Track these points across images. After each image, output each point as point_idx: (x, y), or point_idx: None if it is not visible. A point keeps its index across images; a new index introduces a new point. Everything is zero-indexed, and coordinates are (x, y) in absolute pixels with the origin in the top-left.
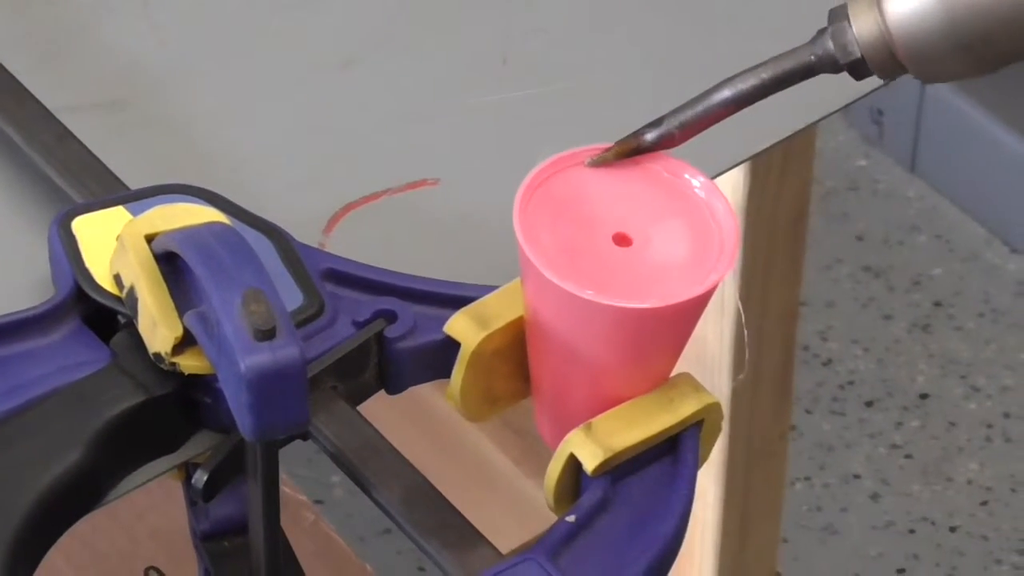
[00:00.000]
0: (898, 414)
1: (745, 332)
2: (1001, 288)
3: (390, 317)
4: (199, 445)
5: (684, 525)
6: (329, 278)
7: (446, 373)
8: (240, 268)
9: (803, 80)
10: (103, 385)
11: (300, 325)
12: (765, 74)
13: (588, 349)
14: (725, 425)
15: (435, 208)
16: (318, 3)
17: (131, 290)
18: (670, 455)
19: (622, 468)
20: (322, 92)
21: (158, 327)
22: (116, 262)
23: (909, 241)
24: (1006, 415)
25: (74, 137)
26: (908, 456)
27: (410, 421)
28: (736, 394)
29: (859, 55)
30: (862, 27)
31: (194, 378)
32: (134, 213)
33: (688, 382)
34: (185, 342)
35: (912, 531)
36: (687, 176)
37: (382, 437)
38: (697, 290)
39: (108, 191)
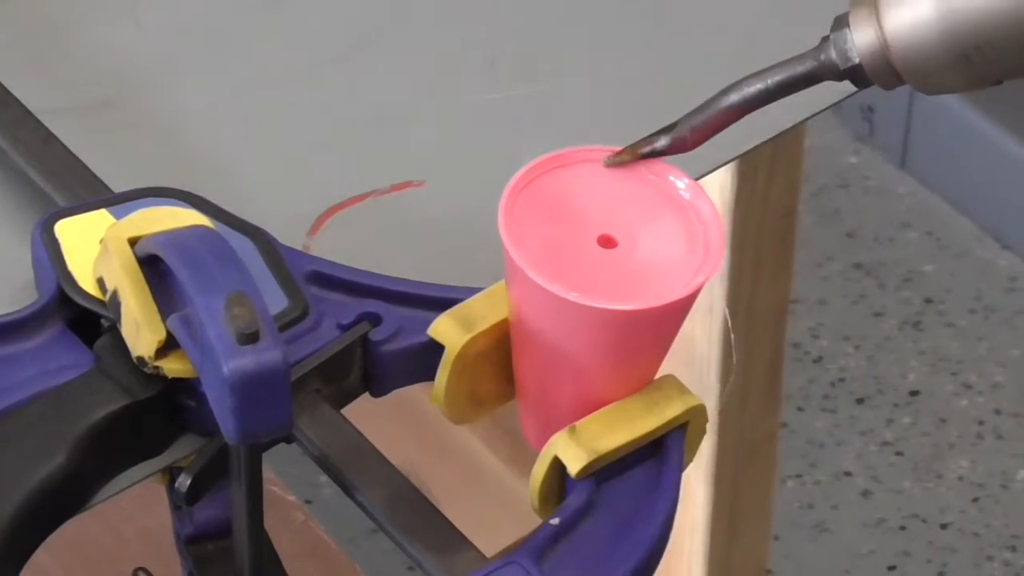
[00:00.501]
0: (889, 411)
1: (732, 336)
2: (992, 284)
3: (374, 320)
4: (183, 449)
5: (669, 528)
6: (313, 281)
7: (431, 376)
8: (223, 271)
9: (808, 86)
10: (86, 389)
11: (284, 328)
12: (770, 79)
13: (573, 351)
14: (714, 424)
15: (421, 210)
16: (302, 4)
17: (114, 294)
18: (655, 457)
19: (607, 471)
20: (307, 93)
21: (141, 331)
22: (99, 266)
23: (900, 238)
24: (997, 412)
25: (57, 140)
26: (899, 453)
27: (400, 421)
28: (725, 394)
29: (858, 63)
30: (861, 36)
31: (178, 382)
32: (117, 216)
33: (673, 384)
34: (168, 346)
35: (903, 528)
36: (672, 178)
37: (366, 440)
38: (682, 292)
39: (92, 194)
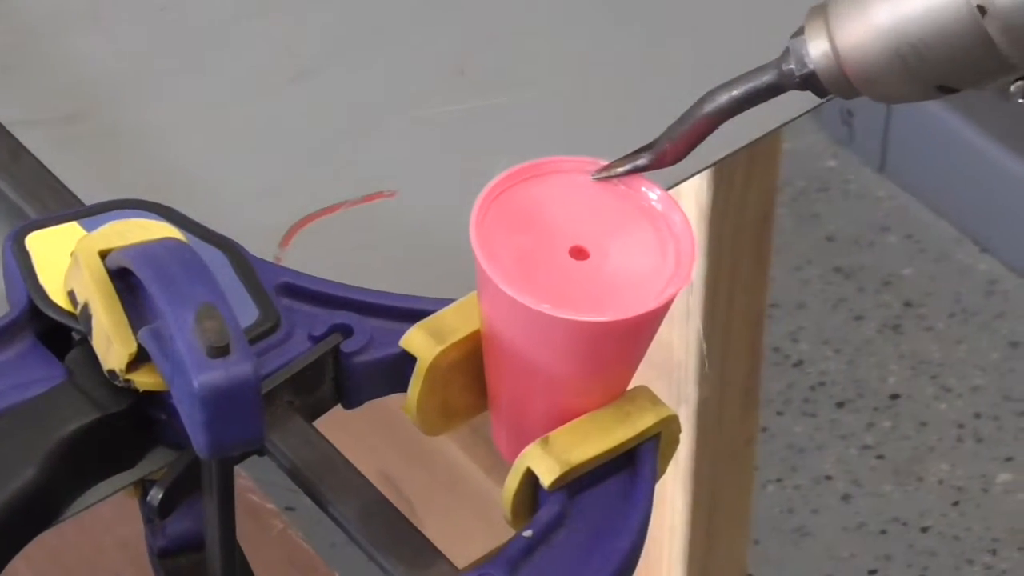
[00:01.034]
0: (869, 415)
1: (704, 347)
2: (972, 288)
3: (346, 331)
4: (155, 462)
5: (642, 539)
6: (285, 292)
7: (403, 387)
8: (193, 284)
9: (773, 96)
10: (57, 402)
11: (255, 340)
12: (736, 91)
13: (545, 363)
14: (692, 431)
15: (392, 220)
16: (274, 15)
17: (85, 307)
18: (628, 468)
19: (579, 482)
20: (278, 104)
21: (112, 344)
22: (70, 278)
23: (879, 241)
24: (977, 415)
25: (28, 152)
26: (879, 457)
27: (379, 430)
28: (703, 400)
29: (812, 71)
30: (815, 46)
31: (149, 395)
32: (89, 229)
33: (645, 395)
34: (139, 359)
35: (884, 532)
36: (644, 189)
37: (338, 452)
38: (654, 303)
39: (63, 206)
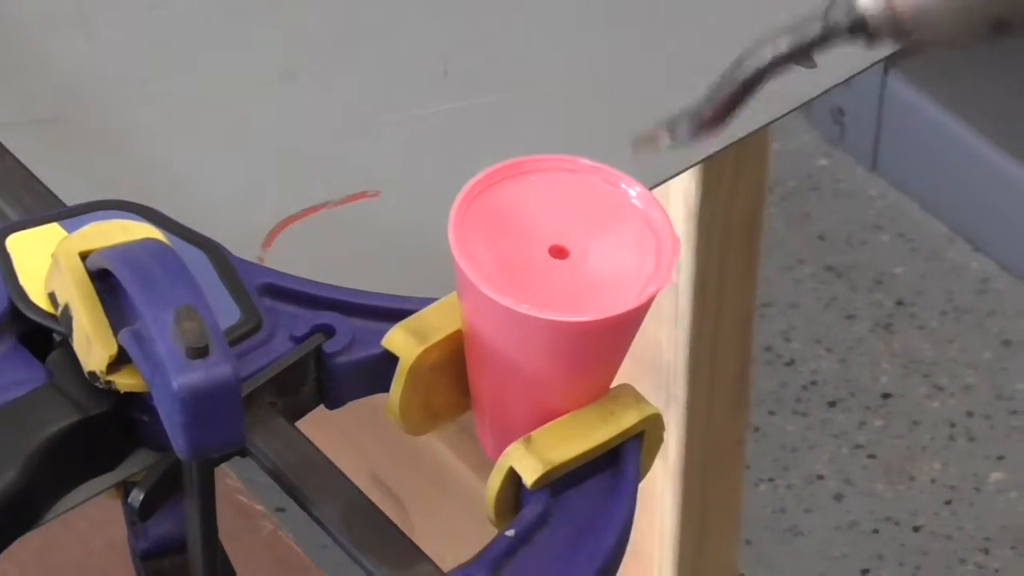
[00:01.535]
0: (861, 414)
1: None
2: (964, 286)
3: (328, 332)
4: (137, 463)
5: (625, 538)
6: (267, 293)
7: (386, 387)
8: (173, 285)
9: (820, 50)
10: (38, 404)
11: (237, 341)
12: (782, 47)
13: (526, 363)
14: (682, 431)
15: (376, 220)
16: (255, 16)
17: (66, 308)
18: (611, 467)
19: (563, 481)
20: (261, 105)
21: (93, 345)
22: (51, 280)
23: (871, 240)
24: (969, 414)
25: (9, 153)
26: (871, 456)
27: (368, 430)
28: (692, 400)
29: (860, 15)
30: None
31: (131, 396)
32: (69, 230)
33: (629, 393)
34: (120, 360)
35: (876, 531)
36: (624, 186)
37: (321, 453)
38: (634, 302)
39: (44, 208)
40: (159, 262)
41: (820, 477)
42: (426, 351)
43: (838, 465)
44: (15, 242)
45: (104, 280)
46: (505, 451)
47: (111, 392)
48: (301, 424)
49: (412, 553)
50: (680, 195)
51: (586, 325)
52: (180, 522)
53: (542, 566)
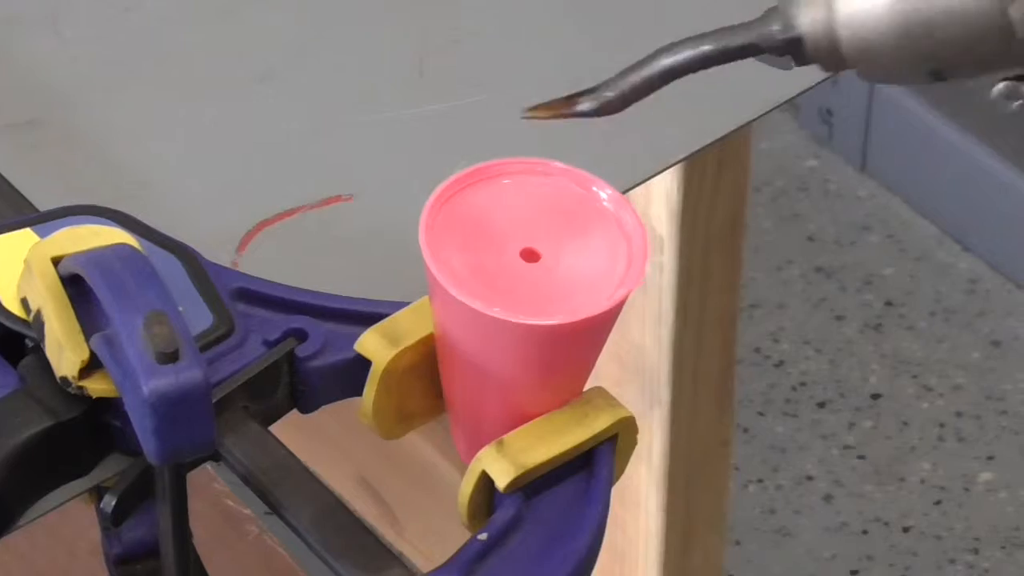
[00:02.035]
0: (850, 415)
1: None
2: (953, 287)
3: (300, 336)
4: (110, 468)
5: (598, 541)
6: (240, 297)
7: (359, 391)
8: (143, 290)
9: (745, 57)
10: (10, 410)
11: (209, 346)
12: (706, 46)
13: (498, 366)
14: (667, 432)
15: (350, 224)
16: (230, 18)
17: (38, 314)
18: (585, 470)
19: (535, 484)
20: (235, 108)
21: (64, 351)
22: (23, 285)
23: (860, 241)
24: (958, 414)
25: None
26: (861, 457)
27: (356, 433)
28: (676, 401)
29: (799, 35)
30: (808, 10)
31: (103, 401)
32: (42, 235)
33: (601, 396)
34: (92, 365)
35: (865, 532)
36: (596, 189)
37: (294, 457)
38: (605, 305)
39: (16, 213)
40: (129, 267)
41: (809, 478)
42: (399, 355)
43: (827, 466)
44: None
45: (76, 286)
46: (478, 454)
47: (83, 397)
48: (288, 428)
49: (384, 557)
50: (662, 195)
51: (557, 328)
52: (153, 527)
53: (514, 569)
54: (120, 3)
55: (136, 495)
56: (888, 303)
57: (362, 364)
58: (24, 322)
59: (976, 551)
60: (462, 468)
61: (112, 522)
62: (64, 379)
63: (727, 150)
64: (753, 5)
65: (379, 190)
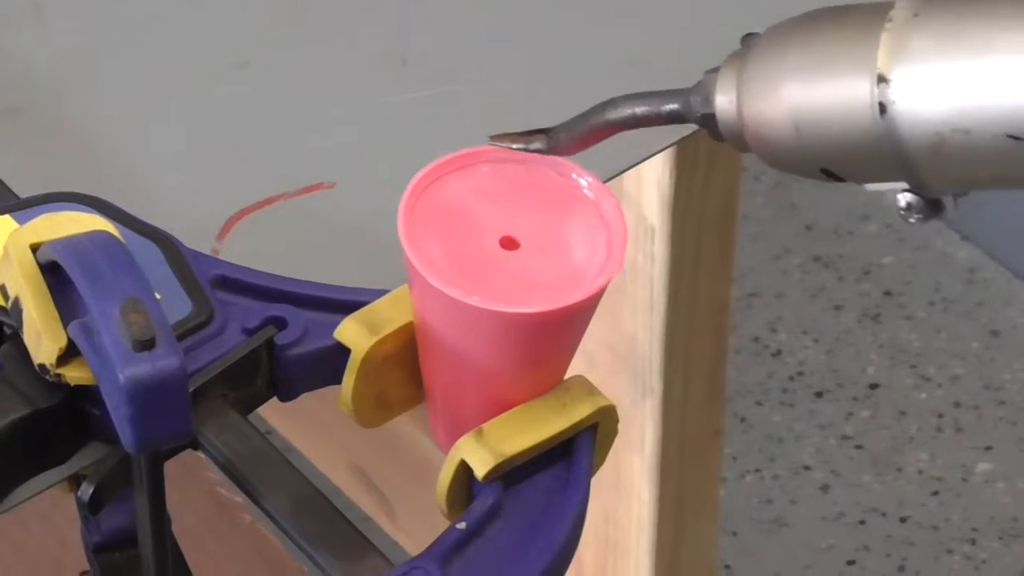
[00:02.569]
0: (848, 405)
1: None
2: (952, 277)
3: (280, 324)
4: (88, 457)
5: (578, 530)
6: (220, 285)
7: (339, 379)
8: (119, 277)
9: (673, 123)
10: None
11: (188, 333)
12: (638, 108)
13: (476, 354)
14: (659, 421)
15: (332, 212)
16: (211, 6)
17: (16, 301)
18: (564, 460)
19: (515, 473)
20: (216, 96)
21: (42, 338)
22: (1, 272)
23: (859, 230)
24: (956, 404)
25: None
26: (858, 447)
27: (350, 422)
28: (668, 391)
29: (712, 113)
30: (722, 92)
31: (81, 389)
32: (21, 222)
33: (581, 385)
34: (70, 353)
35: (863, 522)
36: (576, 176)
37: (272, 446)
38: (584, 293)
39: None
40: (106, 255)
41: (807, 468)
42: (378, 343)
43: (825, 456)
44: None
45: (55, 273)
46: (456, 443)
47: (61, 385)
48: (283, 416)
49: (362, 546)
50: (654, 182)
51: (536, 316)
52: (132, 516)
53: (493, 559)
54: None
55: (114, 483)
56: (887, 293)
57: (342, 352)
58: (2, 309)
59: (973, 542)
60: None
61: (90, 510)
62: (42, 367)
63: None
64: None
65: (360, 178)
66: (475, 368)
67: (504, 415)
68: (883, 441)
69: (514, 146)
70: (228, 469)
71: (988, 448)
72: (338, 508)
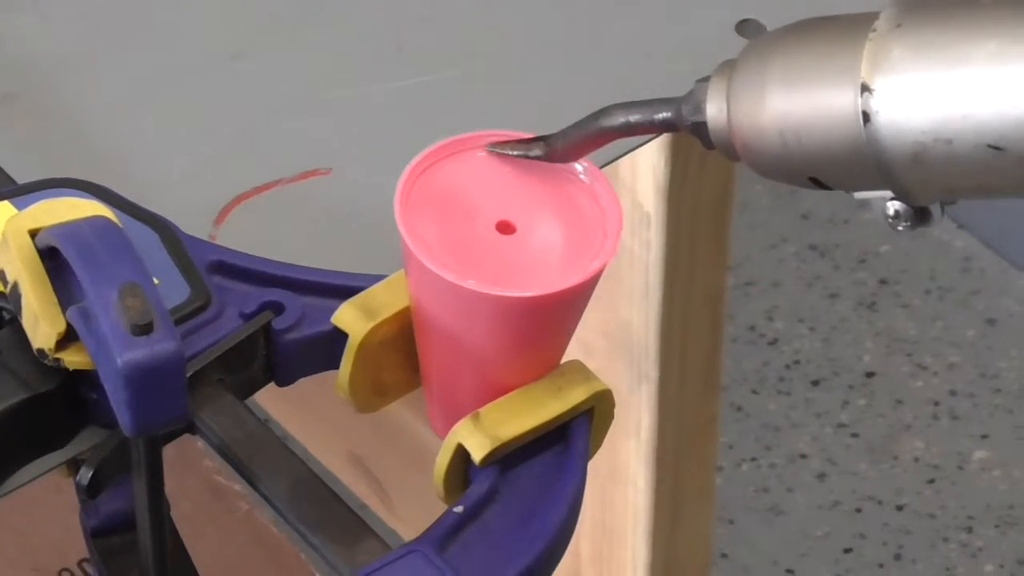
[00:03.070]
0: (844, 393)
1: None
2: (947, 265)
3: (277, 309)
4: (86, 441)
5: (574, 514)
6: (217, 270)
7: (336, 364)
8: (117, 262)
9: (665, 132)
10: None
11: (186, 318)
12: (632, 117)
13: (473, 339)
14: (654, 409)
15: (328, 198)
16: None
17: (15, 286)
18: (560, 444)
19: (511, 457)
20: (213, 81)
21: (41, 323)
22: (0, 258)
23: (855, 219)
24: (952, 392)
25: None
26: (854, 435)
27: (348, 410)
28: (664, 377)
29: (703, 122)
30: (712, 100)
31: (79, 374)
32: (20, 208)
33: (577, 369)
34: (68, 338)
35: (859, 510)
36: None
37: (269, 430)
38: (580, 278)
39: None
40: (104, 240)
41: (803, 456)
42: (375, 328)
43: (821, 444)
44: None
45: (53, 258)
46: (453, 428)
47: (60, 370)
48: (280, 403)
49: (359, 529)
50: (649, 169)
51: (531, 300)
52: (130, 500)
53: (490, 542)
54: None
55: (112, 467)
56: (882, 281)
57: (339, 337)
58: (1, 294)
59: (970, 529)
60: None
61: (88, 494)
62: (40, 351)
63: None
64: None
65: (357, 164)
66: (471, 352)
67: (500, 399)
68: (879, 429)
69: (513, 153)
70: (225, 453)
71: (984, 436)
72: (335, 492)
